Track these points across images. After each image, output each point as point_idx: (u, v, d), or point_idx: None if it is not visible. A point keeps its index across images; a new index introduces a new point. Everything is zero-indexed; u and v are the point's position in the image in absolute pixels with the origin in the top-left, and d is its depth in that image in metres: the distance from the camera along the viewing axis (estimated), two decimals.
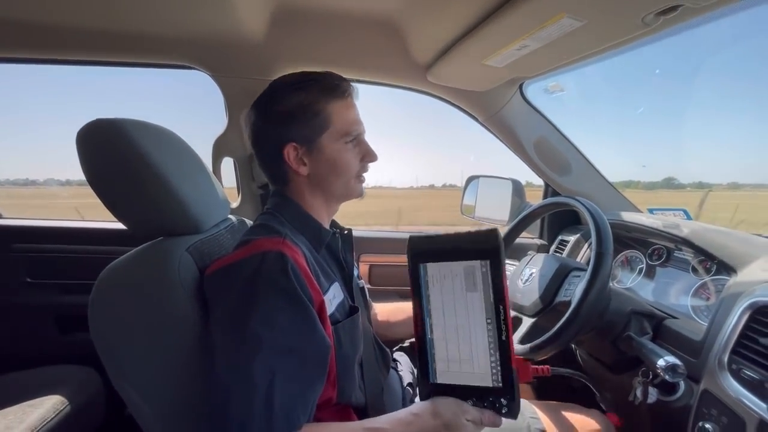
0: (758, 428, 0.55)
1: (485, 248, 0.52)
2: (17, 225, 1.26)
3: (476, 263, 0.53)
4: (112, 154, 0.59)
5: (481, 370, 0.53)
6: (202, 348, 0.58)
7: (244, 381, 0.49)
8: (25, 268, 1.22)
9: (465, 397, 0.55)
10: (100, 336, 0.57)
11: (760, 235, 0.92)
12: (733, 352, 0.63)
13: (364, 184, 0.73)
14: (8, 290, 1.21)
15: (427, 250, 0.57)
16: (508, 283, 0.53)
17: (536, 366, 0.59)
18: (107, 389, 1.06)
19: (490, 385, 0.53)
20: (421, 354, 0.57)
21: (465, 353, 0.54)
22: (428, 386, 0.57)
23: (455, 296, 0.54)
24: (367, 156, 0.71)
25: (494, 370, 0.52)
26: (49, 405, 0.91)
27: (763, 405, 0.55)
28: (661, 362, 0.63)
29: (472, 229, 0.55)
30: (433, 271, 0.56)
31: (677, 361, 0.63)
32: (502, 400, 0.53)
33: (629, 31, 0.63)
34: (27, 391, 0.95)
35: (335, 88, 0.66)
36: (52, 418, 0.89)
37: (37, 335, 1.22)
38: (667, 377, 0.62)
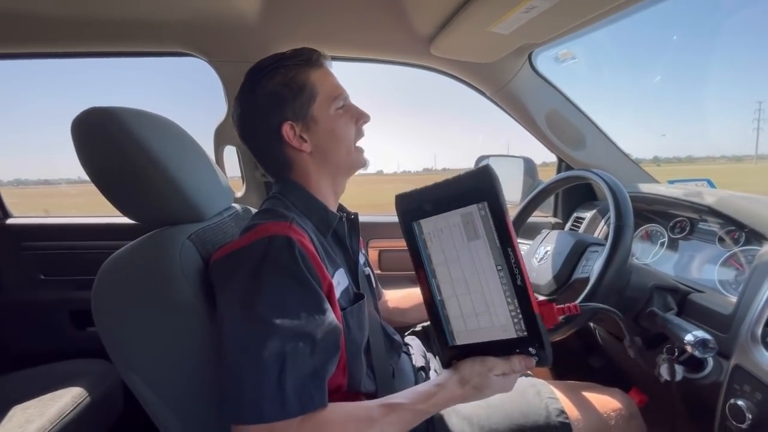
0: None
1: (479, 188, 0.46)
2: (28, 223, 1.28)
3: (473, 207, 0.47)
4: (108, 142, 0.57)
5: (502, 322, 0.48)
6: (206, 335, 0.57)
7: (254, 366, 0.48)
8: (38, 265, 1.24)
9: (488, 354, 0.51)
10: (105, 327, 0.57)
11: None
12: (767, 325, 0.59)
13: (366, 155, 0.72)
14: (23, 288, 1.23)
15: (418, 205, 0.51)
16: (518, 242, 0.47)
17: (562, 306, 0.53)
18: (124, 382, 1.08)
19: (515, 336, 0.48)
20: (435, 320, 0.53)
21: (480, 306, 0.49)
22: (448, 351, 0.53)
23: (457, 249, 0.49)
24: (361, 117, 0.70)
25: (515, 319, 0.48)
26: (68, 398, 0.93)
27: None
28: (689, 337, 0.60)
29: (461, 173, 0.48)
30: (428, 227, 0.50)
31: (707, 336, 0.59)
32: (531, 349, 0.49)
33: None
34: (46, 386, 0.96)
35: (310, 58, 0.67)
36: (72, 411, 0.90)
37: (54, 331, 1.24)
38: (696, 353, 0.59)
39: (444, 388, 0.53)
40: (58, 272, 1.24)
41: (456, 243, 0.49)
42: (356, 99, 0.72)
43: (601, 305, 0.65)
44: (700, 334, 0.60)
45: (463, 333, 0.52)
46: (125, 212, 0.64)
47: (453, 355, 0.54)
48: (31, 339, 1.24)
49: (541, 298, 0.48)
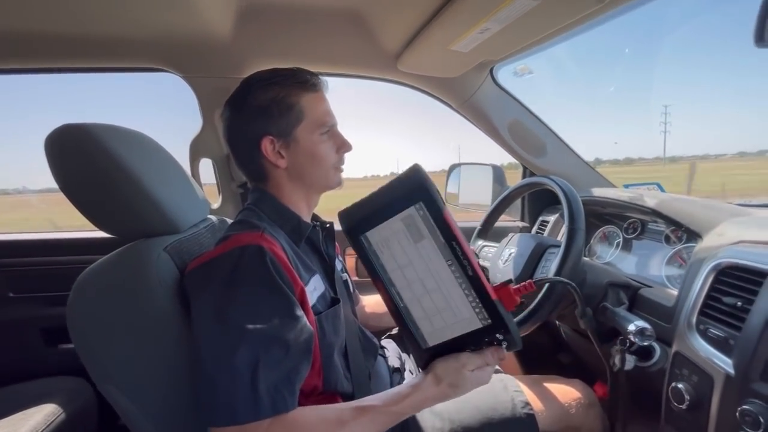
0: (725, 383, 0.57)
1: (412, 189, 0.47)
2: None
3: (411, 210, 0.47)
4: (83, 158, 0.58)
5: (465, 315, 0.49)
6: (184, 344, 0.58)
7: (228, 370, 0.50)
8: (8, 282, 1.21)
9: (462, 349, 0.52)
10: (81, 340, 0.57)
11: (738, 203, 0.95)
12: (701, 313, 0.66)
13: (342, 174, 0.74)
14: None
15: (360, 219, 0.52)
16: (456, 224, 0.47)
17: (517, 286, 0.53)
18: (99, 398, 1.06)
19: (480, 326, 0.49)
20: (403, 327, 0.54)
21: (441, 303, 0.50)
22: (423, 354, 0.54)
23: (407, 253, 0.50)
24: (343, 146, 0.72)
25: (477, 309, 0.49)
26: (40, 416, 0.91)
27: (728, 360, 0.58)
28: (631, 327, 0.66)
29: (393, 178, 0.49)
30: (375, 237, 0.51)
31: (645, 325, 0.65)
32: (498, 336, 0.50)
33: (584, 8, 0.65)
34: (17, 404, 0.94)
35: (306, 81, 0.68)
36: (44, 429, 0.89)
37: (25, 349, 1.21)
38: (637, 340, 0.65)
39: (419, 389, 0.54)
40: (27, 289, 1.21)
41: (404, 247, 0.49)
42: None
43: (555, 278, 0.68)
44: (640, 323, 0.66)
45: (431, 334, 0.52)
46: (100, 226, 0.64)
47: (428, 357, 0.54)
48: (1, 358, 1.20)
49: (495, 286, 0.50)
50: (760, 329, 0.54)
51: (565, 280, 0.66)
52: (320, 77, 0.70)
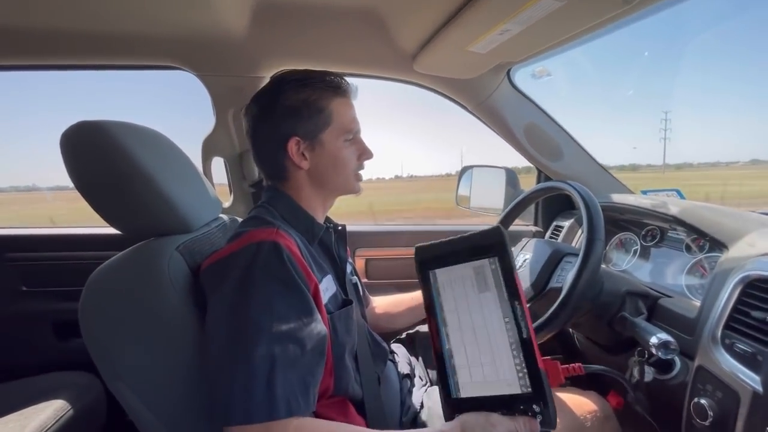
0: (752, 400, 0.55)
1: (491, 244, 0.50)
2: (10, 234, 1.26)
3: (485, 261, 0.50)
4: (98, 156, 0.58)
5: (507, 375, 0.48)
6: (194, 344, 0.58)
7: (244, 368, 0.50)
8: (20, 276, 1.22)
9: (492, 410, 0.49)
10: (93, 338, 0.57)
11: (753, 212, 0.92)
12: (726, 327, 0.63)
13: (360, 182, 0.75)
14: (4, 300, 1.21)
15: (434, 256, 0.55)
16: (523, 288, 0.49)
17: (567, 366, 0.54)
18: (108, 394, 1.06)
19: (519, 392, 0.47)
20: (440, 369, 0.53)
21: (486, 356, 0.50)
22: (452, 403, 0.52)
23: (468, 299, 0.52)
24: (364, 154, 0.74)
25: (520, 374, 0.47)
26: (50, 411, 0.92)
27: (756, 377, 0.56)
28: (653, 339, 0.63)
29: (476, 231, 0.52)
30: (443, 277, 0.54)
31: (669, 338, 0.63)
32: (535, 407, 0.47)
33: (610, 9, 0.63)
34: (27, 399, 0.95)
35: (338, 86, 0.69)
36: (53, 424, 0.89)
37: (36, 343, 1.22)
38: (659, 354, 0.63)
39: None
40: (40, 284, 1.23)
41: (467, 293, 0.51)
42: None
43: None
44: (663, 336, 0.63)
45: (467, 385, 0.51)
46: (113, 224, 0.65)
47: (455, 408, 0.53)
48: (13, 352, 1.21)
49: (546, 358, 0.50)
50: None
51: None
52: (350, 83, 0.71)
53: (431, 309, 0.54)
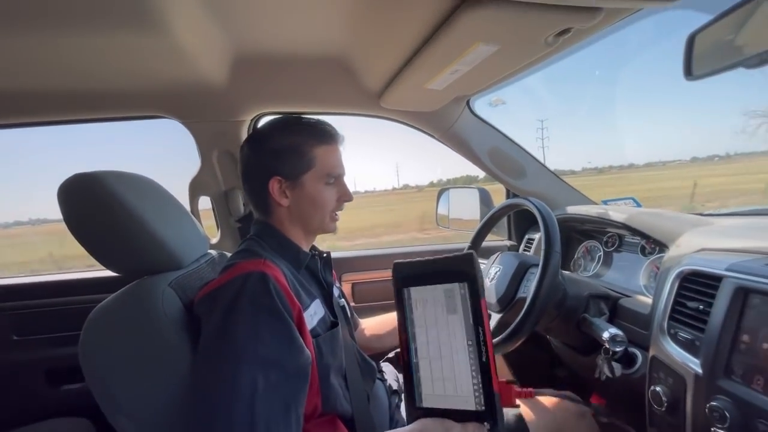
0: (695, 382, 0.61)
1: (463, 270, 0.54)
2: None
3: (455, 285, 0.55)
4: (94, 205, 0.63)
5: (464, 393, 0.53)
6: (191, 376, 0.60)
7: (228, 391, 0.52)
8: (11, 325, 1.23)
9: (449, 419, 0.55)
10: (93, 375, 0.60)
11: (700, 214, 1.01)
12: (671, 318, 0.70)
13: (337, 223, 0.81)
14: None
15: (410, 274, 0.59)
16: (488, 315, 0.53)
17: (520, 390, 0.59)
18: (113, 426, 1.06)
19: (473, 408, 0.53)
20: (407, 378, 0.58)
21: (448, 372, 0.55)
22: (415, 411, 0.58)
23: (437, 319, 0.56)
24: (344, 196, 0.79)
25: (477, 393, 0.53)
26: None
27: (696, 360, 0.62)
28: (605, 334, 0.70)
29: (451, 254, 0.57)
30: (416, 294, 0.58)
31: (618, 331, 0.69)
32: (486, 424, 0.52)
33: (537, 51, 0.73)
34: None
35: (324, 134, 0.76)
36: None
37: (29, 391, 1.21)
38: (611, 347, 0.69)
39: None
40: (31, 331, 1.23)
41: (437, 313, 0.56)
42: None
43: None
44: (613, 330, 0.70)
45: (429, 396, 0.57)
46: (108, 265, 0.69)
47: (418, 414, 0.58)
48: (5, 401, 1.20)
49: (501, 381, 0.55)
50: (719, 329, 0.59)
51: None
52: (337, 132, 0.78)
53: (403, 324, 0.59)
